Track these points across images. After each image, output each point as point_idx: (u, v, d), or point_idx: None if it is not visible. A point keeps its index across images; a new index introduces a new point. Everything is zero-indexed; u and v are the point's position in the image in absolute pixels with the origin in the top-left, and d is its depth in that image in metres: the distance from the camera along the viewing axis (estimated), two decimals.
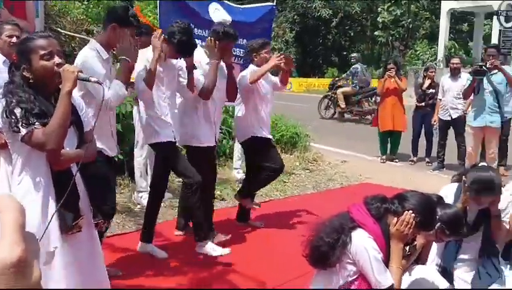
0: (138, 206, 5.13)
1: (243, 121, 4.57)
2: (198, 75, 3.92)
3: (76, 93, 2.76)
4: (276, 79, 4.78)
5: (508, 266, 2.89)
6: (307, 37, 34.40)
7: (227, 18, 5.55)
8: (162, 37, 3.59)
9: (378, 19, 30.95)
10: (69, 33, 7.03)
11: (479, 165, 2.92)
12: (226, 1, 5.68)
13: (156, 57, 3.52)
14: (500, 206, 2.83)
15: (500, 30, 19.29)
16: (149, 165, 5.37)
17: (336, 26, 34.10)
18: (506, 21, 19.19)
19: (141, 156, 5.18)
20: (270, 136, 4.78)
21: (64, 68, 2.11)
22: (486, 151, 6.42)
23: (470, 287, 2.80)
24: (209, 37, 4.08)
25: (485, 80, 6.15)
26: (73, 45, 7.11)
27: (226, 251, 3.94)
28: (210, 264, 3.75)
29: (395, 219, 2.29)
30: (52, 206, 2.13)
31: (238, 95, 4.56)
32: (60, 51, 2.22)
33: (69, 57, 7.71)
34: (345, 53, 36.15)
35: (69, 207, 2.13)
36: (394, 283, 2.21)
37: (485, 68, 6.08)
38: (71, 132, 2.20)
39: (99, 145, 3.06)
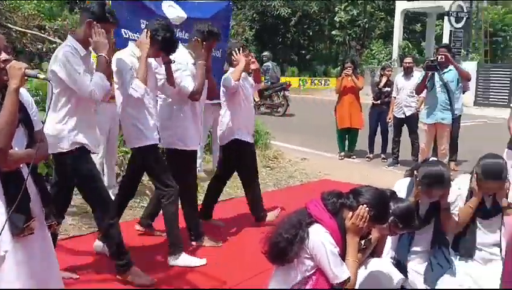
0: None
1: (228, 123, 4.52)
2: (183, 75, 3.82)
3: (54, 90, 2.85)
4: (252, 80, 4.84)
5: (458, 256, 3.02)
6: (267, 35, 34.55)
7: (182, 14, 5.51)
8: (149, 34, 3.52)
9: (335, 19, 31.49)
10: (20, 29, 6.78)
11: (430, 160, 3.02)
12: None
13: (145, 54, 3.46)
14: (449, 199, 2.94)
15: (450, 30, 20.05)
16: (105, 164, 5.27)
17: (294, 25, 34.40)
18: (457, 22, 19.98)
19: (98, 156, 5.05)
20: (252, 141, 4.81)
21: (11, 65, 2.04)
22: (438, 147, 6.66)
23: (422, 278, 2.90)
24: (194, 37, 3.98)
25: (437, 78, 6.36)
26: (24, 41, 6.87)
27: (203, 261, 3.74)
28: (164, 264, 3.71)
29: (350, 213, 2.36)
30: (1, 208, 2.05)
31: (223, 99, 4.55)
32: (8, 46, 2.15)
33: (21, 54, 7.46)
34: (304, 52, 36.61)
35: (20, 209, 2.06)
36: (350, 276, 2.27)
37: (436, 63, 6.29)
38: (20, 131, 2.13)
39: (80, 140, 3.06)
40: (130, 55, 3.55)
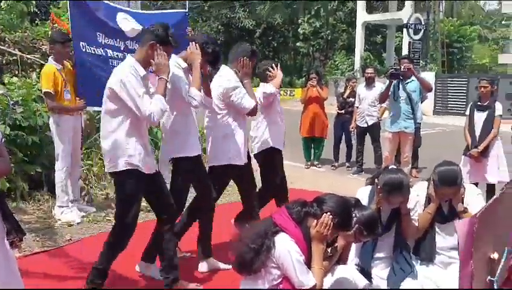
0: (59, 222, 4.92)
1: (264, 134, 4.56)
2: (242, 93, 3.82)
3: (110, 107, 2.95)
4: None
5: (419, 261, 3.13)
6: (232, 46, 34.71)
7: (137, 27, 5.52)
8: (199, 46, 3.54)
9: (299, 30, 32.00)
10: None
11: (389, 168, 3.14)
12: (130, 9, 5.63)
13: (198, 64, 3.46)
14: (409, 205, 3.07)
15: (409, 42, 20.73)
16: (69, 177, 5.17)
17: (259, 37, 34.75)
18: (415, 33, 20.69)
19: (62, 169, 4.97)
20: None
21: None
22: (401, 155, 6.87)
23: (386, 283, 2.99)
24: (242, 58, 3.90)
25: (400, 88, 6.61)
26: None
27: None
28: (130, 279, 3.67)
29: (315, 221, 2.42)
30: None
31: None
32: None
33: None
34: None
35: None
36: (316, 283, 2.33)
37: (400, 72, 6.53)
38: None
39: (134, 161, 3.07)
40: (175, 66, 3.52)
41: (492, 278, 1.62)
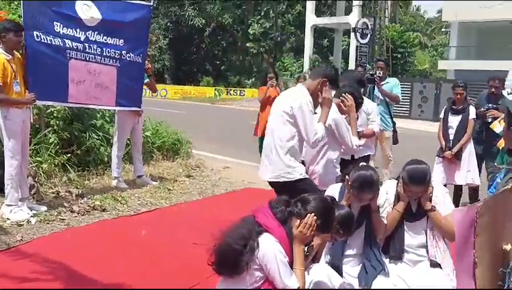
0: (8, 221, 4.61)
1: (334, 163, 4.06)
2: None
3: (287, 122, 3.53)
4: None
5: (387, 259, 3.17)
6: (181, 44, 34.31)
7: (97, 16, 5.32)
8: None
9: (249, 31, 32.12)
10: None
11: (360, 165, 3.16)
12: None
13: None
14: (378, 202, 3.10)
15: (356, 46, 21.33)
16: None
17: (209, 36, 34.56)
18: (362, 38, 21.31)
19: (11, 166, 4.66)
20: None
21: None
22: (382, 153, 6.97)
23: (357, 280, 3.00)
24: (345, 94, 3.96)
25: (376, 90, 6.82)
26: None
27: None
28: (92, 283, 3.48)
29: (298, 221, 2.37)
30: None
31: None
32: None
33: None
34: (218, 62, 36.81)
35: None
36: (299, 286, 2.28)
37: (375, 77, 6.76)
38: None
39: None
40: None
41: (505, 270, 1.64)
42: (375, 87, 6.80)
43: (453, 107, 6.05)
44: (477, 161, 5.94)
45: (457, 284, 1.68)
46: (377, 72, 6.87)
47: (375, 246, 3.12)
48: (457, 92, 5.96)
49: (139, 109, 6.26)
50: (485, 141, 6.01)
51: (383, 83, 6.85)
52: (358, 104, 4.16)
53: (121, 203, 5.49)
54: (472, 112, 5.94)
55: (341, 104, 4.02)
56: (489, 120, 5.93)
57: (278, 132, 3.58)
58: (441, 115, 6.20)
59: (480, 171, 5.97)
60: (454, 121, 5.97)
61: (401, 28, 30.32)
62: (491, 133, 5.71)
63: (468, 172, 5.89)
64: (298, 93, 3.62)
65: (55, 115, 6.40)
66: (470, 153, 5.94)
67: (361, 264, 3.07)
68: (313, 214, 2.37)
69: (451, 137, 5.94)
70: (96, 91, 5.63)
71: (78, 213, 5.04)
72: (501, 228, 1.65)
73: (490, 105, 5.99)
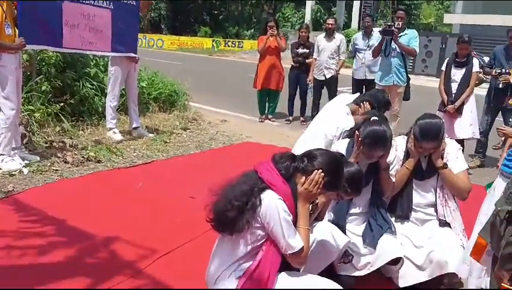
0: None
1: None
2: None
3: None
4: None
5: (394, 218, 3.03)
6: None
7: None
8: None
9: None
10: None
11: (372, 119, 2.95)
12: None
13: None
14: (388, 159, 2.93)
15: None
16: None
17: None
18: None
19: (7, 116, 4.52)
20: None
21: None
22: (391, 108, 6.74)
23: (361, 239, 2.87)
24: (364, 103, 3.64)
25: (392, 42, 6.41)
26: None
27: None
28: (87, 236, 3.36)
29: (303, 177, 2.20)
30: None
31: None
32: None
33: None
34: (216, 12, 35.77)
35: None
36: (303, 246, 2.13)
37: (393, 28, 6.33)
38: None
39: None
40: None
41: None
42: (392, 39, 6.39)
43: (456, 60, 5.85)
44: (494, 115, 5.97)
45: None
46: (396, 23, 6.44)
47: (382, 205, 2.98)
48: (461, 47, 5.77)
49: (135, 55, 5.99)
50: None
51: (401, 34, 6.45)
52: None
53: (116, 154, 5.33)
54: (476, 65, 5.77)
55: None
56: (500, 86, 5.72)
57: None
58: (443, 68, 5.99)
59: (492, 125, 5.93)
60: (457, 74, 5.83)
61: None
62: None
63: (471, 126, 5.76)
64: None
65: (46, 61, 6.13)
66: (472, 107, 5.79)
67: (365, 223, 2.94)
68: (320, 170, 2.19)
69: (454, 90, 5.77)
70: (91, 36, 5.37)
71: (71, 164, 4.88)
72: None
73: (503, 69, 5.72)
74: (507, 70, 5.67)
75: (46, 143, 5.35)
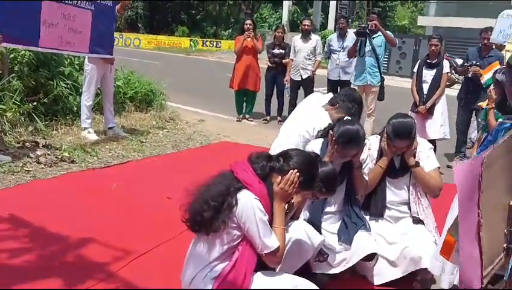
0: None
1: None
2: None
3: None
4: None
5: (368, 216, 3.08)
6: None
7: None
8: None
9: None
10: None
11: (345, 119, 2.99)
12: None
13: None
14: (361, 158, 2.97)
15: None
16: None
17: None
18: None
19: None
20: None
21: None
22: (366, 107, 6.83)
23: (336, 237, 2.90)
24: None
25: (367, 43, 6.55)
26: None
27: None
28: (60, 238, 3.30)
29: (279, 177, 2.21)
30: None
31: None
32: None
33: None
34: (193, 12, 35.59)
35: None
36: (279, 245, 2.14)
37: (367, 30, 6.50)
38: None
39: None
40: None
41: (511, 229, 1.52)
42: (366, 40, 6.56)
43: (427, 61, 5.99)
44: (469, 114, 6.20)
45: (460, 248, 1.56)
46: (369, 25, 6.59)
47: (356, 203, 3.02)
48: (432, 43, 5.93)
49: (111, 57, 5.92)
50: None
51: (374, 36, 6.61)
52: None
53: (90, 155, 5.25)
54: (446, 66, 5.93)
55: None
56: (470, 75, 5.93)
57: None
58: (415, 69, 6.12)
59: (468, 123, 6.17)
60: (428, 75, 5.96)
61: None
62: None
63: (442, 126, 5.89)
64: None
65: (19, 60, 6.00)
66: (443, 107, 5.93)
67: (340, 221, 2.97)
68: (295, 170, 2.20)
69: (425, 91, 5.90)
70: (70, 36, 5.27)
71: (44, 164, 4.79)
72: (506, 180, 1.51)
73: (474, 61, 5.92)
74: (477, 63, 5.86)
75: (18, 143, 5.24)
